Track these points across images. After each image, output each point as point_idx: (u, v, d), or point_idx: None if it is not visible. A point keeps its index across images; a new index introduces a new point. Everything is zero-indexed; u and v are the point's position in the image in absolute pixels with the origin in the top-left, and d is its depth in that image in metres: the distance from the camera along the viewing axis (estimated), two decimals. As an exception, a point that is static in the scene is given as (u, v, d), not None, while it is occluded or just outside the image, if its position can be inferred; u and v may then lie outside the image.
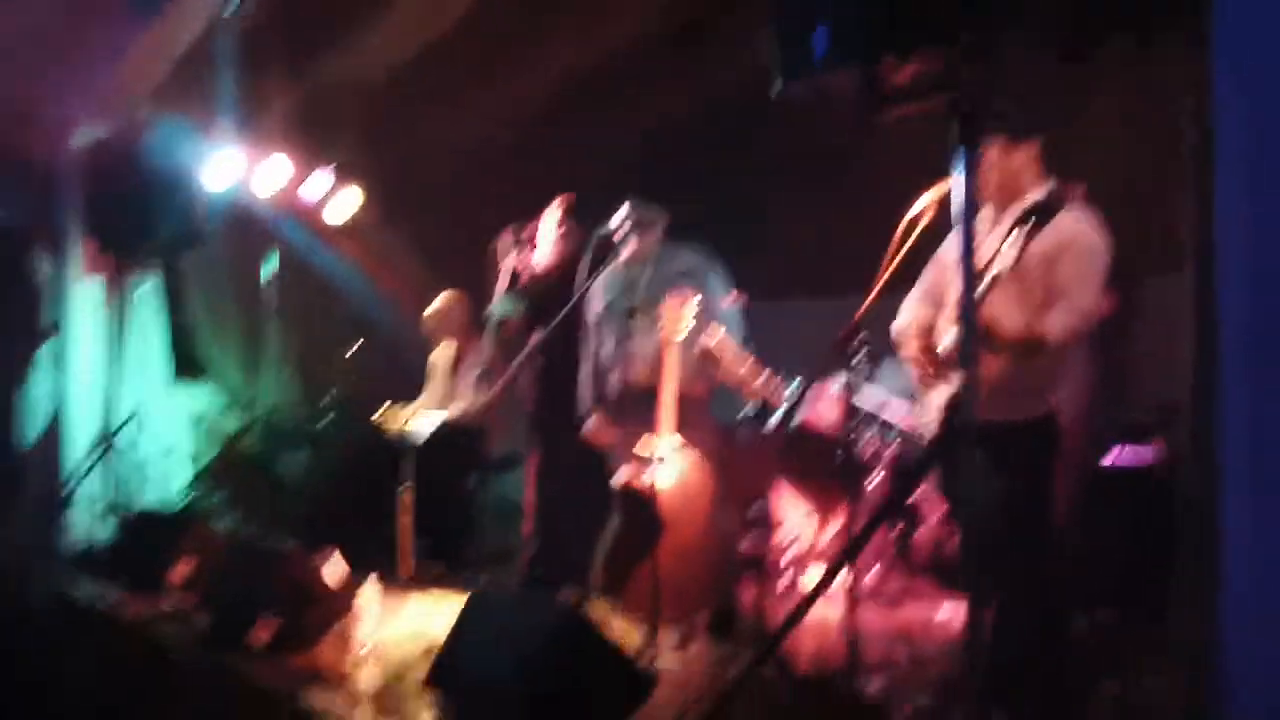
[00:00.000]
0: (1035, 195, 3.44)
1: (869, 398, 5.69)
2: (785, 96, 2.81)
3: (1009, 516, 3.29)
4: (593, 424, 4.96)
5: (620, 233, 4.79)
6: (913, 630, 4.71)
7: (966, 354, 2.58)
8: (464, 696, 3.27)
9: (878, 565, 5.46)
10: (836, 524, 5.57)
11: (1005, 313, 3.30)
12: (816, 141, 5.23)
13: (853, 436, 5.80)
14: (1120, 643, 4.08)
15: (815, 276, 6.09)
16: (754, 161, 6.90)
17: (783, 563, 5.69)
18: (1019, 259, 3.12)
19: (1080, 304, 3.28)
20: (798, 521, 5.85)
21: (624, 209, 4.82)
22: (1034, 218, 3.11)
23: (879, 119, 2.70)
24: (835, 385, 5.73)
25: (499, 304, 5.34)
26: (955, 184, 2.55)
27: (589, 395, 4.99)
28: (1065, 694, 3.29)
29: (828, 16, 2.64)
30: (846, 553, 3.45)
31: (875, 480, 5.59)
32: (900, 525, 5.67)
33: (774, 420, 6.16)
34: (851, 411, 5.75)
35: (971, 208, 2.54)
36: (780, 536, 5.93)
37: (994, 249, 3.26)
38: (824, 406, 5.81)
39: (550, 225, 5.43)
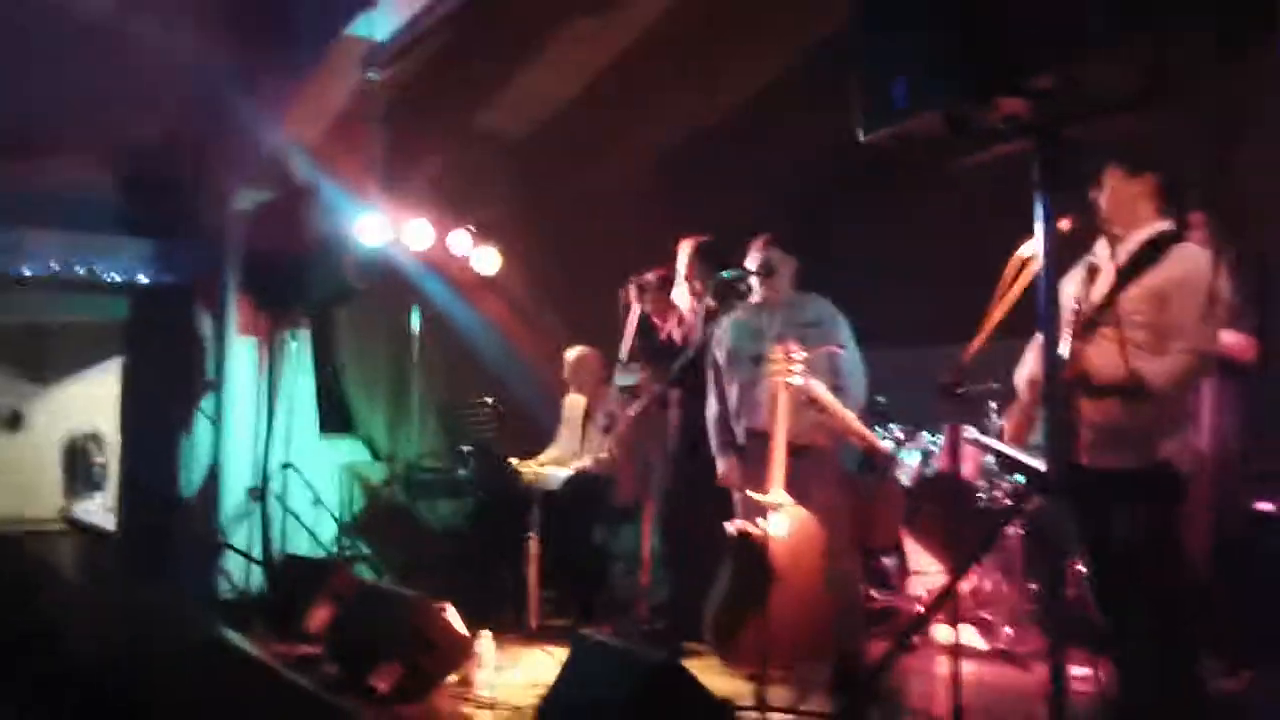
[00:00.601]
0: (1150, 230, 3.32)
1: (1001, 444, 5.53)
2: (869, 143, 2.80)
3: (1126, 567, 3.16)
4: (724, 468, 4.90)
5: (748, 277, 4.80)
6: (1049, 690, 4.50)
7: (1051, 399, 2.50)
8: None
9: (1011, 624, 5.26)
10: (973, 577, 5.39)
11: (1107, 355, 3.17)
12: (933, 186, 5.15)
13: (989, 483, 5.67)
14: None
15: (941, 322, 5.97)
16: (876, 209, 6.85)
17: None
18: (1109, 299, 3.01)
19: (1192, 345, 3.13)
20: (931, 574, 5.70)
21: (754, 253, 4.81)
22: (1143, 254, 3.01)
23: (964, 164, 2.66)
24: (972, 432, 5.60)
25: (620, 376, 5.39)
26: (1037, 228, 2.49)
27: (717, 439, 4.96)
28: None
29: (907, 64, 2.63)
30: (937, 601, 3.35)
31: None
32: (1035, 583, 5.46)
33: (910, 468, 6.09)
34: (992, 458, 5.65)
35: (1052, 251, 2.47)
36: (912, 589, 5.79)
37: (1106, 286, 3.16)
38: (960, 453, 5.64)
39: (682, 272, 5.44)
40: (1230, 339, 4.15)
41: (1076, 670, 4.68)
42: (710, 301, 5.12)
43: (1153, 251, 3.30)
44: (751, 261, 4.79)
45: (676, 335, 5.45)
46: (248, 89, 6.47)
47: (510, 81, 7.31)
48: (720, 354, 4.95)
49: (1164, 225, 3.39)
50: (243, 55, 6.15)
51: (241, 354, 6.97)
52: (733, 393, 4.86)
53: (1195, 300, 3.17)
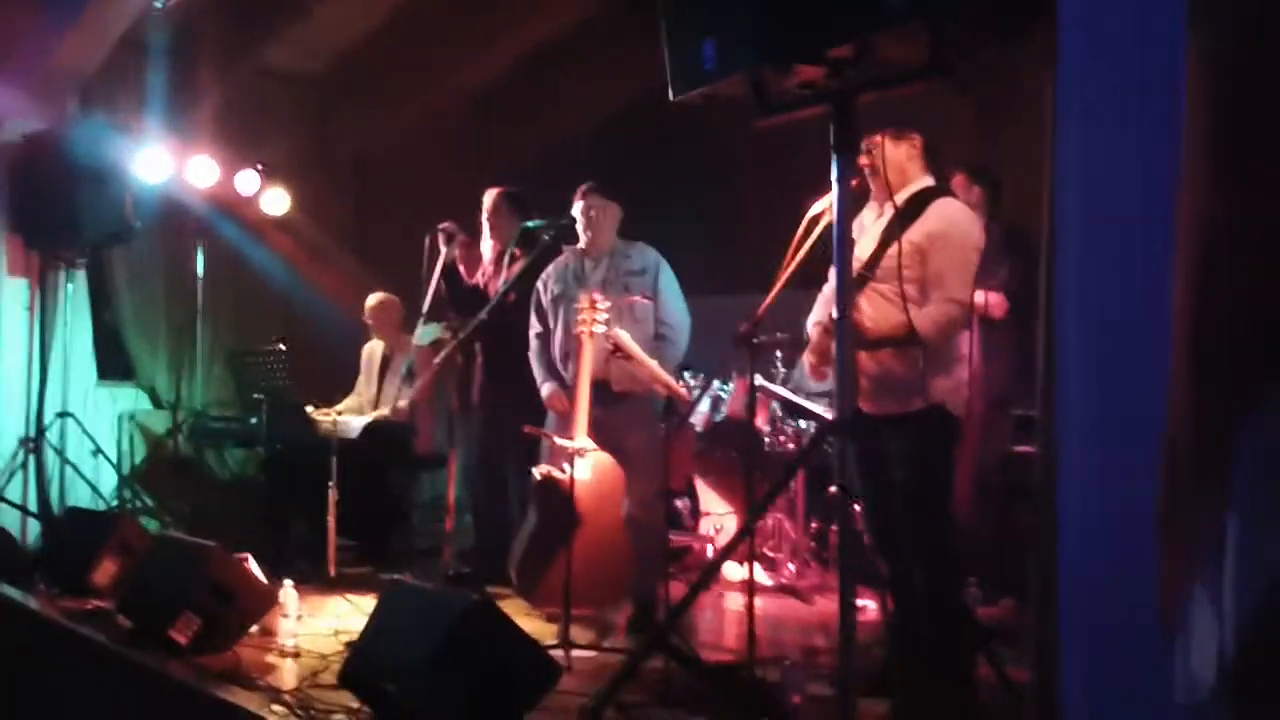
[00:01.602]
0: (915, 187, 3.53)
1: (793, 392, 5.83)
2: (680, 103, 2.92)
3: (899, 504, 3.42)
4: (549, 391, 4.87)
5: (553, 227, 4.82)
6: (829, 621, 4.82)
7: (841, 350, 2.68)
8: (376, 691, 3.33)
9: (794, 560, 5.59)
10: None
11: (877, 308, 3.41)
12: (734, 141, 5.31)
13: (776, 429, 5.96)
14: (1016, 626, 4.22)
15: (730, 274, 6.18)
16: (682, 158, 7.00)
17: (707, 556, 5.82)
18: (877, 256, 3.24)
19: (953, 295, 3.36)
20: (721, 515, 5.97)
21: (580, 199, 4.81)
22: (906, 210, 3.25)
23: (766, 125, 2.80)
24: (759, 380, 5.86)
25: (421, 333, 5.36)
26: (833, 186, 2.66)
27: (541, 368, 4.93)
28: (959, 676, 3.40)
29: (716, 28, 2.75)
30: (733, 541, 3.55)
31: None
32: (816, 522, 5.81)
33: (700, 414, 6.32)
34: (777, 405, 5.95)
35: (845, 210, 2.65)
36: (704, 530, 6.05)
37: (873, 244, 3.40)
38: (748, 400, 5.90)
39: (487, 221, 5.42)
40: (987, 297, 4.49)
41: (859, 602, 5.05)
42: (515, 250, 5.16)
43: (915, 207, 3.48)
44: (574, 209, 4.82)
45: (481, 283, 5.46)
46: (16, 13, 6.05)
47: (304, 14, 7.07)
48: (546, 297, 4.98)
49: (927, 181, 3.59)
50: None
51: (11, 296, 6.54)
52: (558, 336, 4.89)
53: (954, 253, 3.39)
